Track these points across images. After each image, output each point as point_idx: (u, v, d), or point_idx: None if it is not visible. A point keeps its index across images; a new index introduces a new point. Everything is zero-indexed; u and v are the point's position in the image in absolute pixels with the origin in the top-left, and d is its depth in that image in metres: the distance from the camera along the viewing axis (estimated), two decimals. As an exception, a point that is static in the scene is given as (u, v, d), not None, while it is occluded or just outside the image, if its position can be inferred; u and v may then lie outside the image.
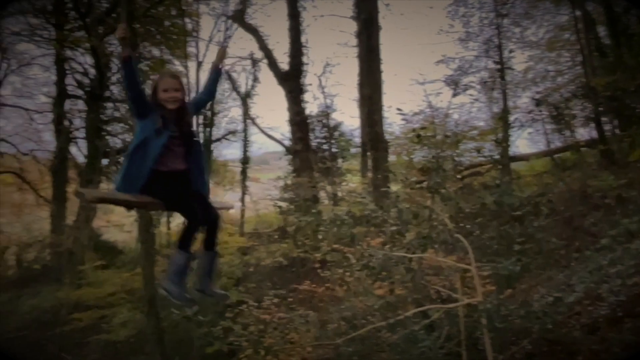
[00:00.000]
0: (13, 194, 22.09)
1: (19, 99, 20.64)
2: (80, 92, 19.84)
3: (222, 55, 3.85)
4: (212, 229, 3.56)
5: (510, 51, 16.92)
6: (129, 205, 3.84)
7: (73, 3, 18.01)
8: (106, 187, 17.70)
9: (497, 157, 14.35)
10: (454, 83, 15.59)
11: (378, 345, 7.63)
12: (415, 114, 17.09)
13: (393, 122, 18.86)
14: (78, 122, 20.14)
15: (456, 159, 14.26)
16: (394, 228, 8.21)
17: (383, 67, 17.86)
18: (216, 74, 3.78)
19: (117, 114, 19.60)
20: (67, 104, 19.66)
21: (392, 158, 17.84)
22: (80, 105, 20.11)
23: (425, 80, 17.86)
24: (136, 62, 3.38)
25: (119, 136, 20.29)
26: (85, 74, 19.55)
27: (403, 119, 12.64)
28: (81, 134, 19.96)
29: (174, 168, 3.42)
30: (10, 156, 21.08)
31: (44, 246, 18.84)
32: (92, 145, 18.53)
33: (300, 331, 8.86)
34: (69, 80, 19.47)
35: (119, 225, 19.99)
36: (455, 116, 16.36)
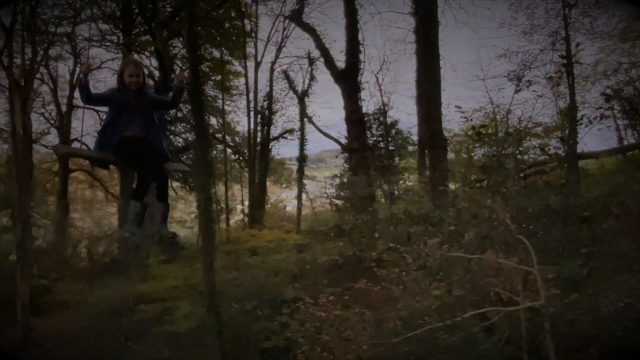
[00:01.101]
0: (85, 191, 23.71)
1: (91, 101, 21.88)
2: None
3: (182, 77, 5.08)
4: (162, 185, 4.58)
5: (578, 44, 16.07)
6: (93, 160, 4.93)
7: (139, 8, 18.84)
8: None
9: (563, 154, 13.71)
10: (516, 78, 15.01)
11: (435, 347, 7.50)
12: (476, 110, 16.64)
13: (452, 119, 18.35)
14: (144, 122, 21.10)
15: (519, 157, 13.84)
16: (452, 228, 8.07)
17: (442, 63, 17.53)
18: (176, 91, 4.83)
19: (179, 114, 20.34)
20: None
21: (450, 156, 17.45)
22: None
23: (486, 75, 17.29)
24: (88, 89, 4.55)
25: (182, 135, 21.15)
26: (150, 76, 20.40)
27: (462, 117, 12.30)
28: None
29: (135, 134, 4.39)
30: (82, 155, 22.46)
31: (112, 240, 19.84)
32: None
33: (356, 329, 8.86)
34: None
35: (181, 221, 20.85)
36: (518, 112, 15.70)
